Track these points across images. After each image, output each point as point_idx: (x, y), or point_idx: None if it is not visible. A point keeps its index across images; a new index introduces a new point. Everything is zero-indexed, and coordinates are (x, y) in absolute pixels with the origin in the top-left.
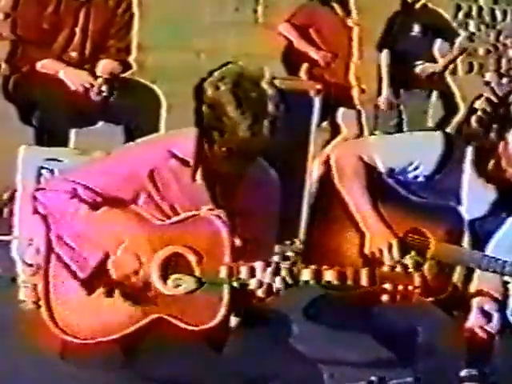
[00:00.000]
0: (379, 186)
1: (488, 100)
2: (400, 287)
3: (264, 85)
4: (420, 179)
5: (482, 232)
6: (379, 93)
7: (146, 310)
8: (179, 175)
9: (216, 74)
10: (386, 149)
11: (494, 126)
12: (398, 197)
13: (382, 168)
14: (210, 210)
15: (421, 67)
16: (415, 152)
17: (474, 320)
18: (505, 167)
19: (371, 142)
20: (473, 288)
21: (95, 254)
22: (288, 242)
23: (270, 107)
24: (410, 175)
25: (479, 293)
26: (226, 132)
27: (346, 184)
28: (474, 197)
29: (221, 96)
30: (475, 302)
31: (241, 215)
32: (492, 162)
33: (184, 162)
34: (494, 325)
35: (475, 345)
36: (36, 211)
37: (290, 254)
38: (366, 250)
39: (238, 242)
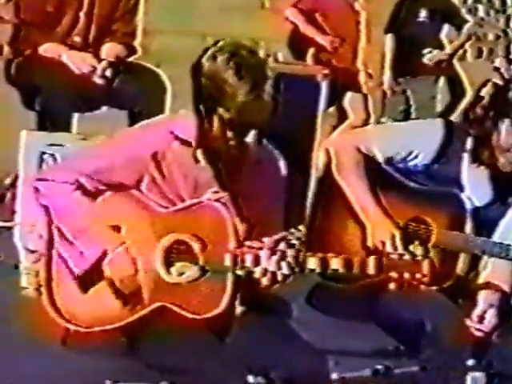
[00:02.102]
0: (378, 174)
1: (495, 85)
2: (407, 275)
3: (261, 53)
4: (420, 167)
5: (485, 219)
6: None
7: (149, 298)
8: (182, 157)
9: (213, 48)
10: (384, 139)
11: (491, 113)
12: (398, 185)
13: (380, 158)
14: (215, 192)
15: (429, 56)
16: (414, 141)
17: (479, 314)
18: (497, 156)
19: (369, 133)
20: (481, 279)
21: (93, 250)
22: (293, 230)
23: (269, 72)
24: (410, 163)
25: (487, 285)
26: (226, 100)
27: (345, 176)
28: (475, 185)
29: (218, 65)
30: (482, 296)
31: (245, 197)
32: (486, 151)
33: (186, 144)
34: (497, 318)
35: (480, 337)
36: (37, 201)
37: (295, 241)
38: (369, 242)
39: (242, 225)
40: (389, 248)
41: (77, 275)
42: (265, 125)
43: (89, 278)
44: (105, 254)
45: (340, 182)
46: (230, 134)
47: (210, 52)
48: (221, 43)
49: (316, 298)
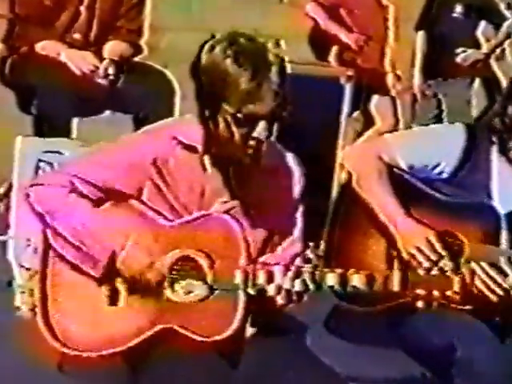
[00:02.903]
0: (402, 185)
1: None
2: (436, 293)
3: (260, 40)
4: (444, 175)
5: None
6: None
7: (153, 319)
8: (187, 164)
9: (210, 40)
10: (406, 146)
11: None
12: (423, 197)
13: (403, 166)
14: (224, 202)
15: (462, 56)
16: (436, 147)
17: None
18: None
19: (389, 140)
20: None
21: (103, 250)
22: (311, 244)
23: (271, 57)
24: (434, 172)
25: None
26: (228, 92)
27: (368, 187)
28: (507, 188)
29: (216, 56)
30: None
31: (258, 208)
32: None
33: (192, 149)
34: None
35: None
36: (32, 209)
37: (312, 257)
38: (403, 253)
39: (254, 239)
40: (428, 253)
41: (98, 277)
42: (273, 117)
43: (110, 274)
44: (115, 252)
45: (362, 194)
46: (237, 132)
47: (207, 45)
48: (218, 35)
49: (334, 322)
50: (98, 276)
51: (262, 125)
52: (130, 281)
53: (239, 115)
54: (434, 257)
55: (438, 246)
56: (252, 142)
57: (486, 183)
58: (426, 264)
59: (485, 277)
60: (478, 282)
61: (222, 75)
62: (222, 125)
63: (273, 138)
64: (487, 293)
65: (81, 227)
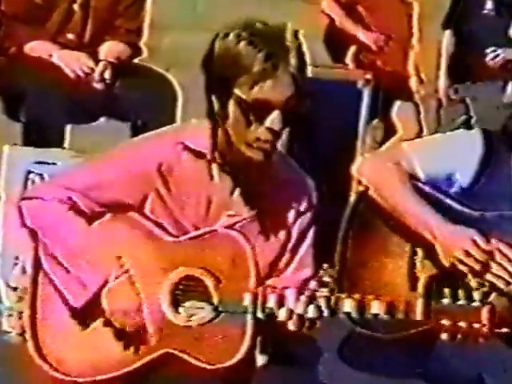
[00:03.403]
0: (421, 196)
1: None
2: (462, 323)
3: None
4: (462, 184)
5: None
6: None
7: (153, 343)
8: (193, 171)
9: (223, 30)
10: (423, 153)
11: None
12: (442, 208)
13: (421, 175)
14: (232, 216)
15: (492, 55)
16: (453, 154)
17: None
18: None
19: (406, 148)
20: None
21: (95, 278)
22: (326, 266)
23: (289, 42)
24: (451, 181)
25: None
26: (240, 74)
27: (392, 196)
28: None
29: (230, 41)
30: None
31: (269, 223)
32: None
33: (199, 155)
34: None
35: None
36: (23, 224)
37: (327, 279)
38: (445, 261)
39: (265, 258)
40: (476, 255)
41: (75, 308)
42: (288, 107)
43: (90, 311)
44: (106, 282)
45: (385, 204)
46: (247, 120)
47: (221, 33)
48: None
49: (349, 350)
50: (77, 307)
51: (275, 114)
52: (110, 323)
53: (251, 100)
54: (483, 257)
55: (485, 245)
56: (264, 134)
57: (507, 192)
58: (477, 267)
59: None
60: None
61: (235, 58)
62: (232, 114)
63: (283, 149)
64: None
65: (74, 247)
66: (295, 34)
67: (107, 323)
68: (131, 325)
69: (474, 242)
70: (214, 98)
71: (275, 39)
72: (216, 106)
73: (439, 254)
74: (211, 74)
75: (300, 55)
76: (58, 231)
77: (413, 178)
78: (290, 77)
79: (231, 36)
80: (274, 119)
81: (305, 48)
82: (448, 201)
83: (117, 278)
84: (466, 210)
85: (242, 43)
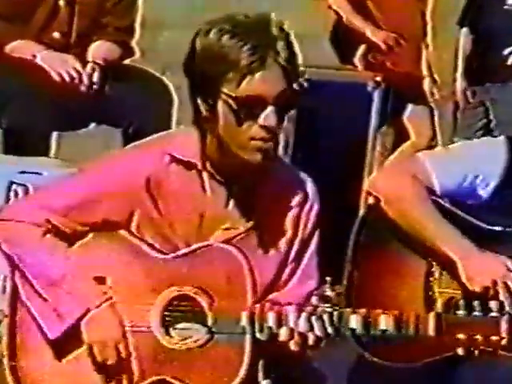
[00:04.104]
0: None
1: None
2: (479, 337)
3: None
4: (484, 197)
5: None
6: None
7: (144, 369)
8: (184, 184)
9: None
10: (441, 164)
11: None
12: (464, 225)
13: (438, 188)
14: (227, 229)
15: None
16: (474, 165)
17: None
18: None
19: (423, 159)
20: None
21: (74, 308)
22: (329, 280)
23: (275, 32)
24: (473, 192)
25: None
26: (228, 71)
27: (410, 213)
28: None
29: (212, 37)
30: None
31: (266, 237)
32: None
33: (188, 166)
34: None
35: None
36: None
37: (331, 294)
38: (469, 285)
39: (263, 274)
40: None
41: (52, 339)
42: (280, 101)
43: (67, 342)
44: (86, 312)
45: (400, 221)
46: (239, 120)
47: (200, 31)
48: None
49: (358, 376)
50: (55, 338)
51: (269, 110)
52: (90, 354)
53: (241, 96)
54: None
55: None
56: (258, 132)
57: None
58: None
59: None
60: None
61: (219, 54)
62: (222, 115)
63: (285, 157)
64: None
65: (52, 274)
66: (280, 24)
67: (87, 354)
68: (113, 356)
69: (509, 269)
70: (199, 100)
71: (260, 30)
72: (203, 109)
73: (461, 276)
74: (194, 75)
75: (288, 45)
76: (34, 257)
77: (430, 191)
78: (280, 69)
79: (213, 31)
80: (267, 115)
81: (292, 38)
82: (467, 216)
83: (98, 306)
84: (485, 225)
85: (225, 37)
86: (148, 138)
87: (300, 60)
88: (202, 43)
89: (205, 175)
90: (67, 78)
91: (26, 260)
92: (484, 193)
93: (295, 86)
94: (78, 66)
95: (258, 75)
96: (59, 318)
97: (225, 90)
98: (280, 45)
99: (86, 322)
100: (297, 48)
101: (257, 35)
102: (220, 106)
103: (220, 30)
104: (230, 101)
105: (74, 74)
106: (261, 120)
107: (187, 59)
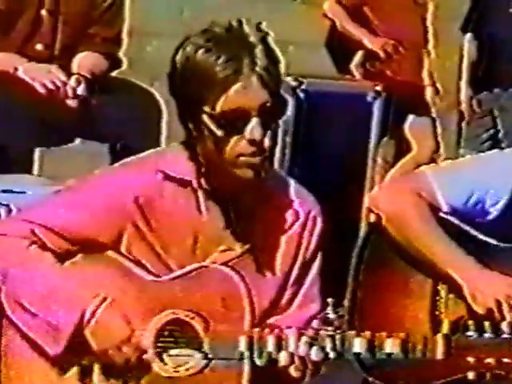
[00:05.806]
0: (445, 229)
1: None
2: (490, 360)
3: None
4: (493, 214)
5: None
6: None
7: None
8: (177, 202)
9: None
10: (446, 180)
11: None
12: (473, 242)
13: (444, 205)
14: (224, 251)
15: None
16: (484, 180)
17: None
18: None
19: (427, 173)
20: None
21: (68, 316)
22: (331, 301)
23: (252, 39)
24: (481, 209)
25: None
26: (206, 88)
27: (413, 233)
28: None
29: (189, 52)
30: None
31: (264, 254)
32: None
33: (182, 183)
34: None
35: None
36: None
37: (333, 317)
38: (475, 306)
39: (262, 297)
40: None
41: (54, 356)
42: (264, 112)
43: (70, 353)
44: (82, 317)
45: (403, 240)
46: (224, 137)
47: (180, 48)
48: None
49: None
50: (57, 353)
51: (253, 122)
52: (103, 360)
53: (223, 112)
54: None
55: None
56: (246, 148)
57: None
58: None
59: None
60: None
61: (197, 71)
62: (207, 134)
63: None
64: None
65: (42, 288)
66: (257, 28)
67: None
68: (132, 354)
69: None
70: (187, 121)
71: (236, 40)
72: (191, 128)
73: (467, 297)
74: (177, 94)
75: (267, 52)
76: (21, 273)
77: (434, 208)
78: (258, 79)
79: (189, 47)
80: (252, 128)
81: (272, 42)
82: (474, 232)
83: (97, 309)
84: (496, 241)
85: (200, 53)
86: (141, 155)
87: (285, 67)
88: (180, 61)
89: (200, 194)
90: (51, 91)
91: (12, 274)
92: (493, 210)
93: (282, 93)
94: (63, 77)
95: (234, 88)
96: (56, 331)
97: (206, 108)
98: (258, 52)
99: (91, 331)
100: (278, 53)
101: (232, 46)
102: (204, 124)
103: (195, 46)
104: (213, 119)
105: (59, 84)
106: (247, 134)
107: (169, 78)
